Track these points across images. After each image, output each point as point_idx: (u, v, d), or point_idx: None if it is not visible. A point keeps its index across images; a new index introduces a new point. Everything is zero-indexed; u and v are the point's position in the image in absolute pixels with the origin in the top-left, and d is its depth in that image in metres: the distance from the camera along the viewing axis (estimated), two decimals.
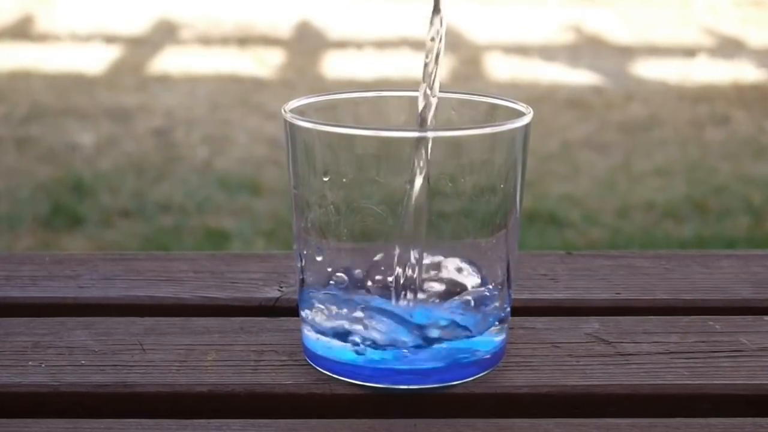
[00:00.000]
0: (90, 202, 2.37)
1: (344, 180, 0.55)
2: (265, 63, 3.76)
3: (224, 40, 4.05)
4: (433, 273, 0.57)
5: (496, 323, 0.57)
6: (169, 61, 3.75)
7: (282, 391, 0.56)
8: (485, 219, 0.56)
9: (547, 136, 2.84)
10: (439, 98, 0.58)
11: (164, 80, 3.49)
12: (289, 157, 0.57)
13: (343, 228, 0.56)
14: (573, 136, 2.91)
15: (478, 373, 0.57)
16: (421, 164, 0.55)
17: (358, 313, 0.55)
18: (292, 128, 0.56)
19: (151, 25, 4.29)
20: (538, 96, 3.24)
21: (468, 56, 3.83)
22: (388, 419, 0.54)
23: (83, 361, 0.58)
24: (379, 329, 0.55)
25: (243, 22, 4.30)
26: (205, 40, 4.05)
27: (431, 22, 0.57)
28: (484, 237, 0.57)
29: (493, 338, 0.57)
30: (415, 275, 0.56)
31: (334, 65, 3.76)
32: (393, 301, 0.56)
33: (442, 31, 0.57)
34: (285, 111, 0.57)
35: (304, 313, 0.58)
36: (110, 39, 4.02)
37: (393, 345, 0.55)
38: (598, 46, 4.07)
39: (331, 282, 0.56)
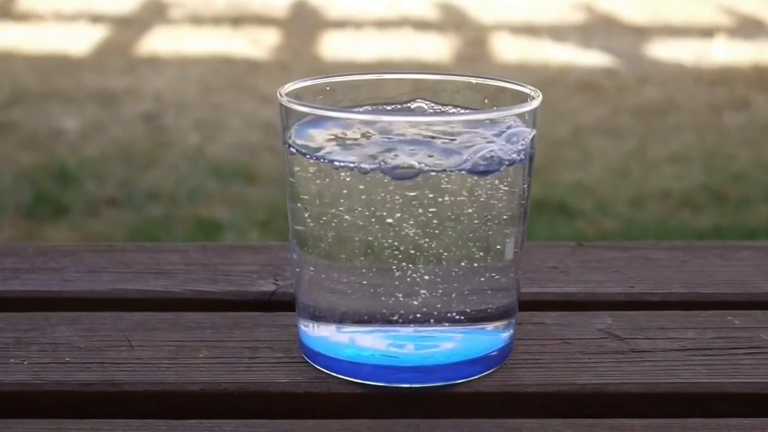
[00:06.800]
0: (75, 191, 2.37)
1: None
2: (259, 44, 3.76)
3: (216, 20, 4.05)
4: None
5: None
6: (158, 42, 3.75)
7: (277, 390, 0.56)
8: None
9: (557, 121, 2.84)
10: (443, 81, 0.58)
11: (153, 62, 3.49)
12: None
13: None
14: (584, 121, 2.91)
15: (484, 371, 0.57)
16: None
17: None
18: (288, 112, 0.56)
19: (140, 3, 4.28)
20: (548, 79, 3.24)
21: (473, 37, 3.83)
22: (388, 419, 0.54)
23: (68, 359, 0.58)
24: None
25: (236, 1, 4.30)
26: (197, 20, 4.05)
27: None
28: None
29: (500, 333, 0.57)
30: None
31: (332, 46, 3.76)
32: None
33: None
34: (281, 94, 0.57)
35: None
36: (96, 18, 4.02)
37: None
38: (611, 26, 4.07)
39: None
